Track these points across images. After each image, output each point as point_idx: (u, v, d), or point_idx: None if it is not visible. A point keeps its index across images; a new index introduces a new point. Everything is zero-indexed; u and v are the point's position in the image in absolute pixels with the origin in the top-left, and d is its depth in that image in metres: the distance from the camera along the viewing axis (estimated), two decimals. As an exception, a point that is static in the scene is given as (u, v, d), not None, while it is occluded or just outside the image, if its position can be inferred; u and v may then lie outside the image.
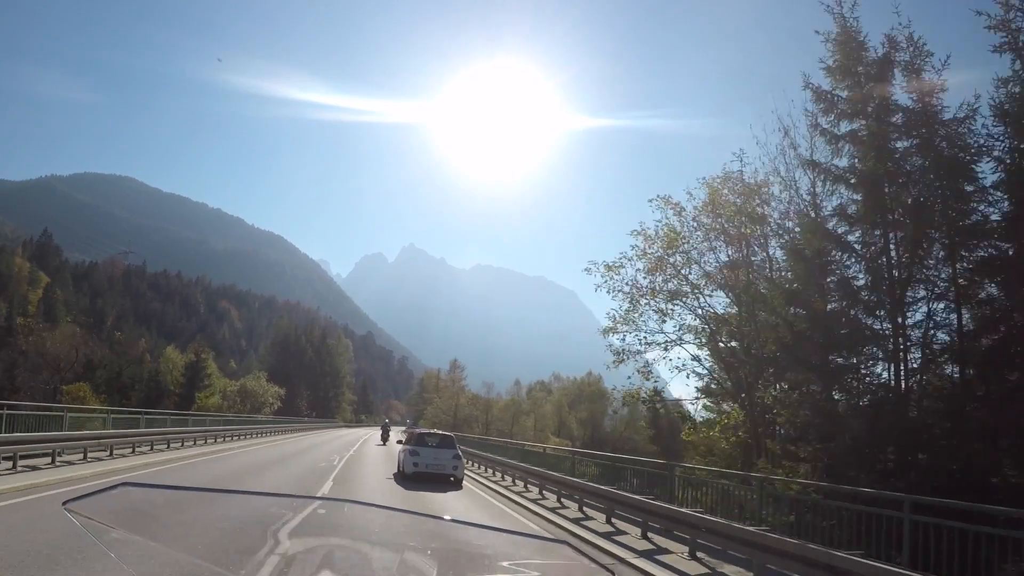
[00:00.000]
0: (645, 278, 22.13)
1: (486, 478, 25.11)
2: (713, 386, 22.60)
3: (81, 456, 18.94)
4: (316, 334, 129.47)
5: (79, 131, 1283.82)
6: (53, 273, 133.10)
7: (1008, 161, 13.45)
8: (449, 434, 24.57)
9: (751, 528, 9.38)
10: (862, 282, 15.80)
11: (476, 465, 29.99)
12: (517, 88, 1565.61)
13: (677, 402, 31.98)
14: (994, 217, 13.94)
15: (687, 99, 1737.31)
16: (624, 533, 12.83)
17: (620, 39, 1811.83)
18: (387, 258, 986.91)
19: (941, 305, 14.73)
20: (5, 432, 16.34)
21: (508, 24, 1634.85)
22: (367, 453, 35.68)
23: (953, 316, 14.23)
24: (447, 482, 20.51)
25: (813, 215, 17.34)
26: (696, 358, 22.35)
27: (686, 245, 21.57)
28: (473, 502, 17.87)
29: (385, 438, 47.84)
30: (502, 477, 24.57)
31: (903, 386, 14.74)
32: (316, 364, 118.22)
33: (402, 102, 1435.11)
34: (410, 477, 20.27)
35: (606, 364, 24.46)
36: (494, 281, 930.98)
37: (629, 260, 22.27)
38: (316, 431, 67.18)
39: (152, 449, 24.73)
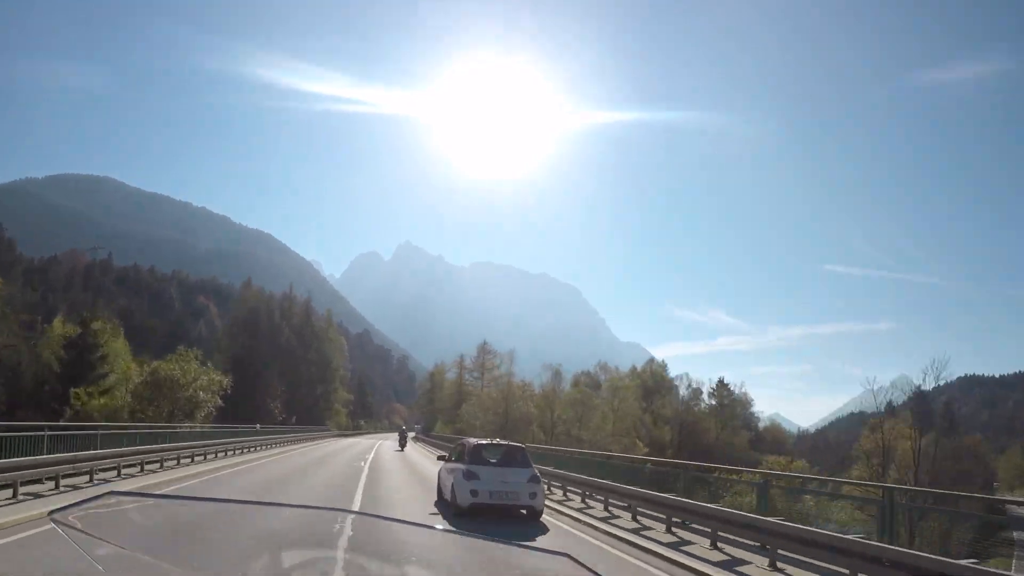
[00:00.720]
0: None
1: (576, 509, 17.61)
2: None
3: None
4: (297, 311, 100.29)
5: (54, 132, 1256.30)
6: (7, 269, 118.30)
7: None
8: (518, 444, 17.99)
9: None
10: None
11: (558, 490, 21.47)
12: (516, 81, 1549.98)
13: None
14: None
15: (690, 94, 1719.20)
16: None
17: (622, 32, 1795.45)
18: (382, 256, 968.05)
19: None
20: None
21: (507, 14, 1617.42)
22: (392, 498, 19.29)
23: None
24: (518, 517, 14.96)
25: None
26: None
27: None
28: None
29: (403, 444, 51.21)
30: (605, 508, 17.12)
31: None
32: (297, 350, 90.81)
33: (396, 91, 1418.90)
34: (467, 512, 14.45)
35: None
36: (495, 278, 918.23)
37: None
38: (293, 445, 49.96)
39: None
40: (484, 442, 16.91)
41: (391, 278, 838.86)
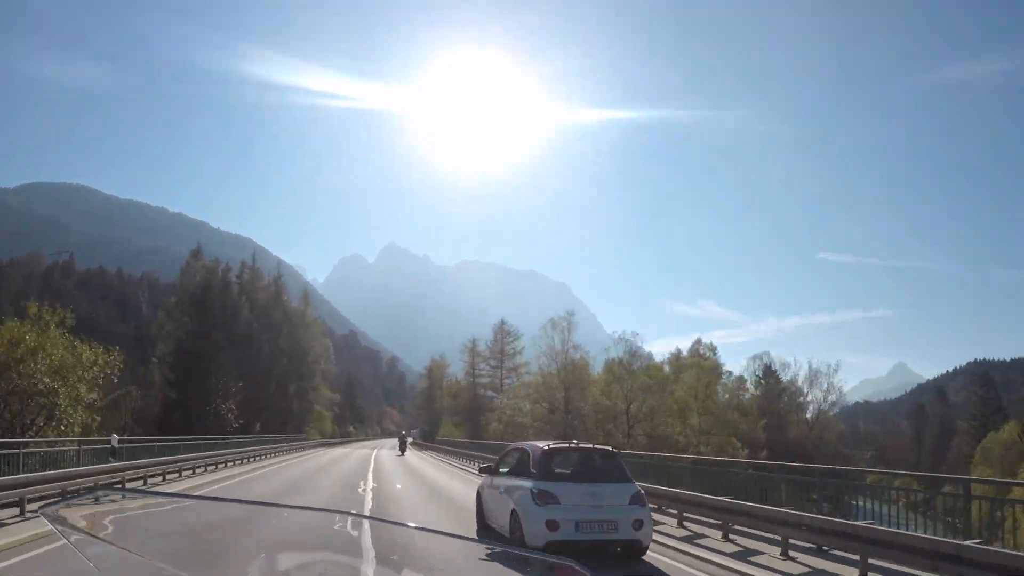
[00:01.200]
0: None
1: (682, 539, 13.28)
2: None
3: None
4: (264, 288, 78.88)
5: (24, 138, 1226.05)
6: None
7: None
8: (608, 448, 12.94)
9: None
10: None
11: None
12: (498, 76, 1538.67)
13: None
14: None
15: (677, 90, 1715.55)
16: None
17: (606, 29, 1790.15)
18: (367, 259, 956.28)
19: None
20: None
21: (488, 9, 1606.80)
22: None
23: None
24: (614, 556, 11.20)
25: None
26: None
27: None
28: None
29: (403, 449, 53.69)
30: (725, 537, 13.02)
31: None
32: (262, 335, 70.88)
33: (375, 85, 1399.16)
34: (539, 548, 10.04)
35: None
36: (483, 277, 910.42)
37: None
38: (249, 464, 34.98)
39: None
40: (559, 445, 12.38)
41: (376, 280, 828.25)
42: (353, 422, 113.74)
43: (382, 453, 47.22)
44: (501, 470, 13.05)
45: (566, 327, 62.05)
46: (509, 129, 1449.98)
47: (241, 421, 55.74)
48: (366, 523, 2.11)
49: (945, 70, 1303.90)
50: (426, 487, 23.73)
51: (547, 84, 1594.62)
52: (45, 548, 10.05)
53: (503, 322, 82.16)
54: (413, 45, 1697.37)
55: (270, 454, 42.90)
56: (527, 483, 11.18)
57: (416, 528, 2.02)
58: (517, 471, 12.11)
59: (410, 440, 71.93)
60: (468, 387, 77.85)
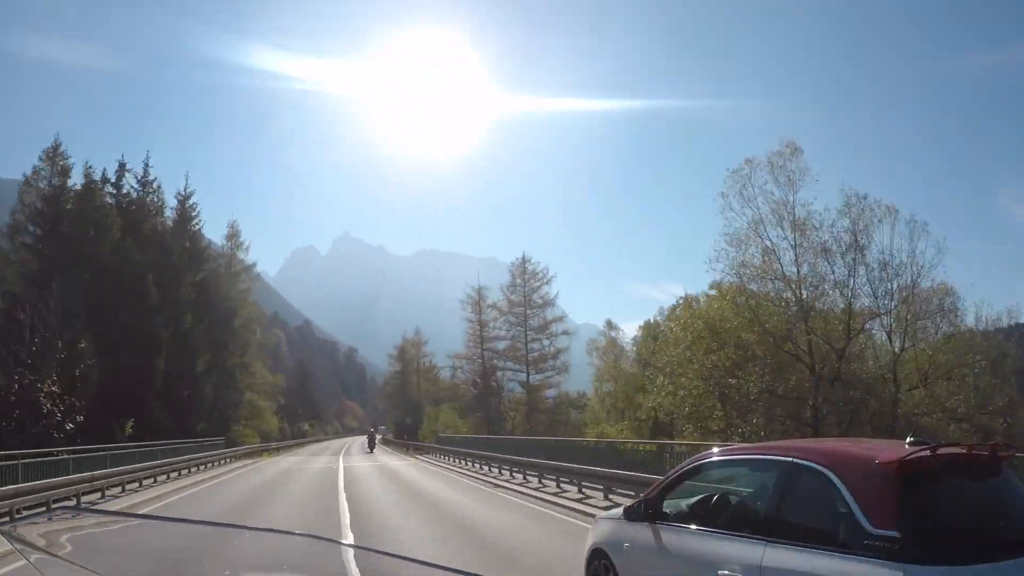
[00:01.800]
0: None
1: None
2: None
3: None
4: (153, 208, 48.95)
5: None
6: None
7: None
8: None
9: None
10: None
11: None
12: (452, 59, 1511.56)
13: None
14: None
15: (642, 79, 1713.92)
16: None
17: (567, 12, 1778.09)
18: (319, 251, 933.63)
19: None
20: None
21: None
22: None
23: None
24: None
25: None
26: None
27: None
28: None
29: (372, 446, 55.72)
30: None
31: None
32: (157, 276, 42.91)
33: (322, 64, 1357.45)
34: None
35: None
36: (440, 266, 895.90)
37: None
38: None
39: None
40: (949, 450, 4.11)
41: (330, 273, 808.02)
42: (308, 418, 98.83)
43: (355, 465, 33.76)
44: (696, 518, 5.33)
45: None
46: (464, 114, 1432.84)
47: (81, 418, 29.25)
48: (349, 552, 2.05)
49: (946, 60, 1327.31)
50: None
51: (504, 68, 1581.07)
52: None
53: (525, 258, 62.64)
54: (363, 22, 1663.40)
55: (144, 479, 24.25)
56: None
57: (412, 561, 1.86)
58: (782, 525, 4.42)
59: (379, 437, 65.97)
60: (475, 357, 61.12)
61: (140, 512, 13.22)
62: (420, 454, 46.81)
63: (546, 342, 60.41)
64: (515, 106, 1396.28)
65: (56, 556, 1.79)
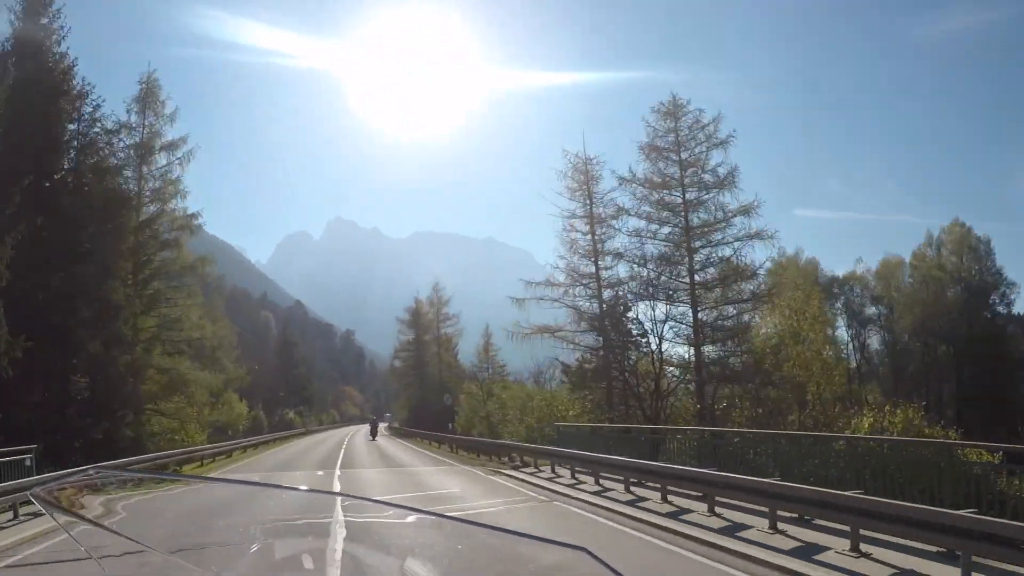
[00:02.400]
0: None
1: None
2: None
3: None
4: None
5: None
6: None
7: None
8: None
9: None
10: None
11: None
12: (440, 37, 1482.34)
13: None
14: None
15: (641, 54, 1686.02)
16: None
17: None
18: (312, 235, 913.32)
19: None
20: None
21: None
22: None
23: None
24: None
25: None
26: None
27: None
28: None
29: (374, 433, 54.49)
30: None
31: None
32: None
33: (309, 40, 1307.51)
34: None
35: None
36: (437, 247, 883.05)
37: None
38: None
39: None
40: None
41: (323, 257, 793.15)
42: (296, 405, 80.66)
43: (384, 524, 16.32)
44: None
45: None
46: (458, 92, 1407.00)
47: None
48: (342, 502, 2.31)
49: (922, 23, 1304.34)
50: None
51: (497, 44, 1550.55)
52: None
53: (676, 99, 33.73)
54: None
55: None
56: None
57: (399, 506, 2.06)
58: None
59: (384, 425, 60.76)
60: (581, 281, 34.64)
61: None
62: (479, 460, 29.84)
63: (726, 252, 32.19)
64: (512, 81, 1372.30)
65: (83, 518, 1.81)
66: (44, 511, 1.81)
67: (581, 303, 35.15)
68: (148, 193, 33.78)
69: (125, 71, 56.92)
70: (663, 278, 32.57)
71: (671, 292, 32.61)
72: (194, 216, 35.31)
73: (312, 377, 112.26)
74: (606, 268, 35.03)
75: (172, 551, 1.88)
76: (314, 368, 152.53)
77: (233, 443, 37.88)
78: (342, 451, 37.02)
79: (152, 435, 29.54)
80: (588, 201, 35.14)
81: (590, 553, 1.70)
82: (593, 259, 34.85)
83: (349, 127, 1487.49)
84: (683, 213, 32.54)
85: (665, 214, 33.05)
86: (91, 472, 1.98)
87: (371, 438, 52.07)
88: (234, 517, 2.23)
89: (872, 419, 20.63)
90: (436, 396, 53.96)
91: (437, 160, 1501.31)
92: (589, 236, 35.02)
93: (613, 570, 1.71)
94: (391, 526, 2.13)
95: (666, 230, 33.26)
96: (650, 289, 32.28)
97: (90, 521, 1.83)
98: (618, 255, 34.41)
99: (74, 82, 27.12)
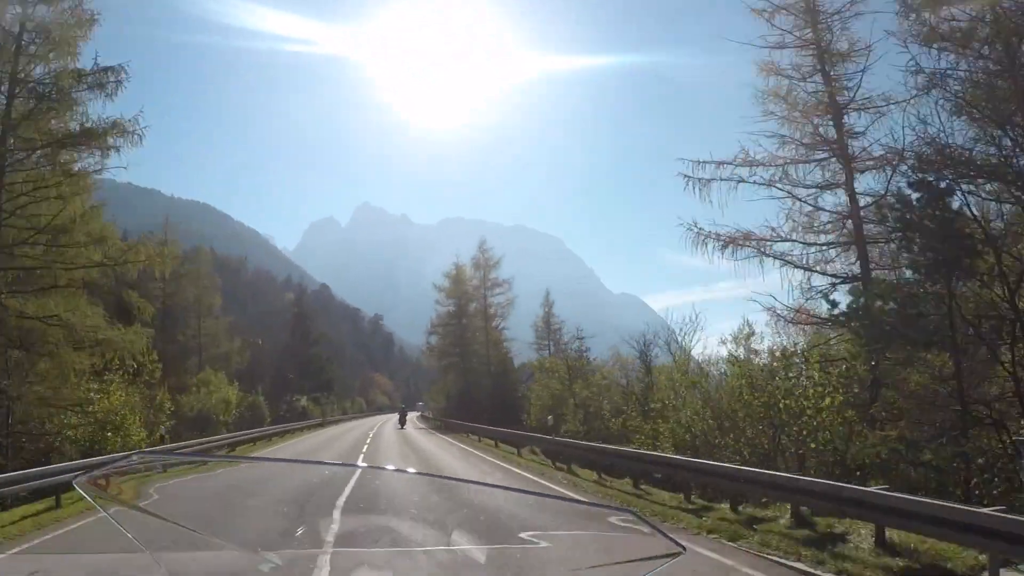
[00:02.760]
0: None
1: None
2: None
3: None
4: None
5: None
6: None
7: None
8: None
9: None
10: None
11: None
12: (473, 20, 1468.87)
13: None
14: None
15: (673, 34, 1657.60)
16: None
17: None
18: (339, 222, 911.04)
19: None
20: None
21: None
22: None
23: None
24: None
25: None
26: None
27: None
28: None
29: (403, 422, 52.29)
30: None
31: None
32: None
33: (337, 28, 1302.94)
34: None
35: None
36: (467, 235, 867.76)
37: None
38: None
39: None
40: None
41: (351, 244, 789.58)
42: (313, 392, 68.70)
43: None
44: None
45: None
46: (488, 78, 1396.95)
47: None
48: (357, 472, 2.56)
49: None
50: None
51: (527, 28, 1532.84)
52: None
53: None
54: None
55: None
56: None
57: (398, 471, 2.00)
58: None
59: (416, 415, 58.13)
60: None
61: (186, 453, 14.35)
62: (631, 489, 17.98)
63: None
64: (542, 66, 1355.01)
65: (123, 503, 1.90)
66: (87, 497, 1.82)
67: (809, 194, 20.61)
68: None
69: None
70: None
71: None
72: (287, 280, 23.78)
73: (334, 359, 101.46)
74: (855, 134, 20.38)
75: (206, 530, 1.92)
76: (343, 353, 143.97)
77: (256, 435, 27.90)
78: (352, 479, 25.30)
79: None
80: (812, 19, 20.49)
81: (635, 514, 1.86)
82: (831, 117, 20.39)
83: (375, 112, 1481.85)
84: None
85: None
86: (134, 459, 2.08)
87: (400, 426, 49.84)
88: (266, 495, 2.41)
89: None
90: (484, 380, 43.60)
91: (465, 146, 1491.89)
92: (819, 78, 20.69)
93: (659, 529, 1.80)
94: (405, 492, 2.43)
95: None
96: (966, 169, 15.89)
97: (130, 505, 1.89)
98: (884, 103, 19.59)
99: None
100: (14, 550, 9.85)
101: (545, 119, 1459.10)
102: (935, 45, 15.97)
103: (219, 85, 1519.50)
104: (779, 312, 20.34)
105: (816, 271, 20.02)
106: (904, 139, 16.72)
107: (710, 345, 31.46)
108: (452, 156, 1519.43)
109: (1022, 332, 13.15)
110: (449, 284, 57.24)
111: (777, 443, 16.13)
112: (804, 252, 20.16)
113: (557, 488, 17.25)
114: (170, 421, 27.60)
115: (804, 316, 20.61)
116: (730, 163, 20.30)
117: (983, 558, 7.80)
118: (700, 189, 20.39)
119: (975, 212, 14.82)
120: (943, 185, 14.86)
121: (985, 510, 7.69)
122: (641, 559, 1.72)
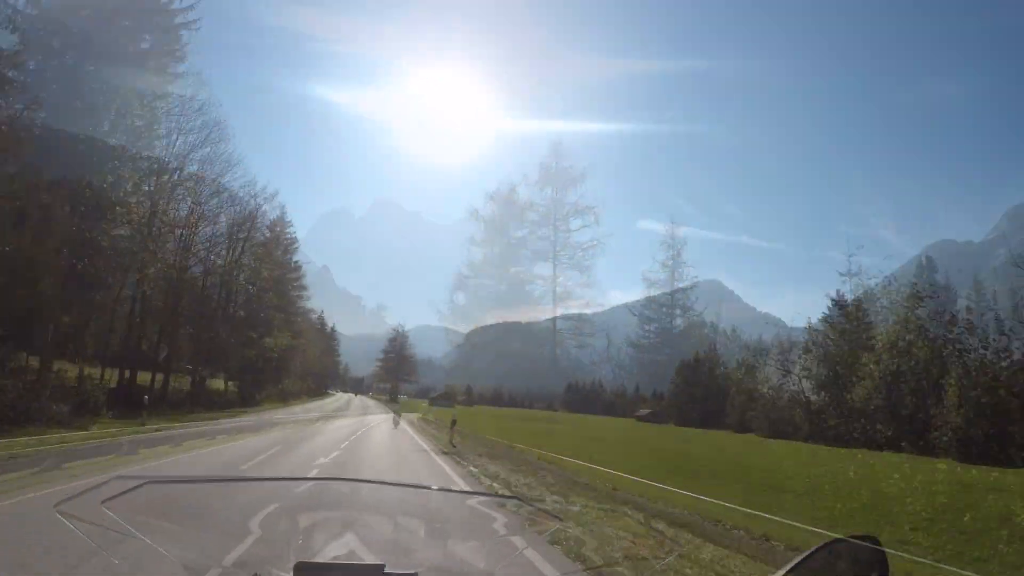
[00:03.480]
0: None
1: None
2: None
3: None
4: None
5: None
6: None
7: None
8: None
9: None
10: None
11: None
12: (492, 32, 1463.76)
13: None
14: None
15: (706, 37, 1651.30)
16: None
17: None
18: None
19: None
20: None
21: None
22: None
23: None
24: None
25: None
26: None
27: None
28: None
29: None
30: None
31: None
32: None
33: (358, 23, 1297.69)
34: None
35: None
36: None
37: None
38: None
39: None
40: None
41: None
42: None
43: None
44: None
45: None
46: (512, 86, 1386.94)
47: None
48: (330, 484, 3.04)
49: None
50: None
51: (558, 31, 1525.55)
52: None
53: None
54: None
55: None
56: None
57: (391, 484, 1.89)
58: None
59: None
60: None
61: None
62: None
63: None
64: (568, 69, 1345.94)
65: (111, 528, 1.93)
66: (71, 525, 1.88)
67: None
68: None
69: None
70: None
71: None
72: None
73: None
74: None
75: (184, 545, 2.02)
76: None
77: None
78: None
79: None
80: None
81: (521, 498, 2.90)
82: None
83: (400, 103, 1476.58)
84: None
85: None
86: (114, 482, 2.13)
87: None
88: (254, 507, 2.79)
89: None
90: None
91: (488, 147, 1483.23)
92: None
93: (541, 508, 2.37)
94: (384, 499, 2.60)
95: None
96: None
97: (114, 530, 1.93)
98: None
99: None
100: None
101: (565, 125, 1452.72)
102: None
103: (231, 66, 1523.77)
104: None
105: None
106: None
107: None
108: (472, 158, 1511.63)
109: None
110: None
111: None
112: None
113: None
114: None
115: None
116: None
117: None
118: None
119: None
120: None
121: None
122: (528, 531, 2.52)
